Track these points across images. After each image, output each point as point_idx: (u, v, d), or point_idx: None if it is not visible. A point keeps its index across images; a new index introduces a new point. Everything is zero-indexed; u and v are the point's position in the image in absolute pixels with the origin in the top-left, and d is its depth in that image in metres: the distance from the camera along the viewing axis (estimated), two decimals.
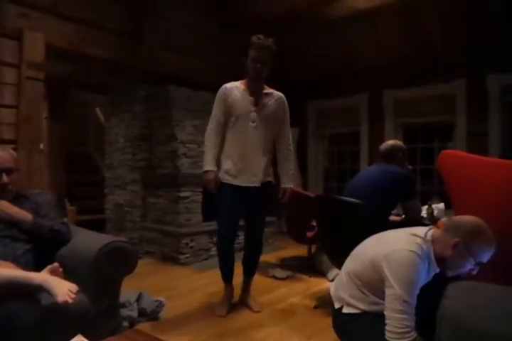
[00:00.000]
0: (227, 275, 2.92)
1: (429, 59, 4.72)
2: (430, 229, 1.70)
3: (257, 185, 2.76)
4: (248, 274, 3.00)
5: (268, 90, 2.85)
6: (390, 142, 2.85)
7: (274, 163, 2.91)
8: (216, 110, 2.78)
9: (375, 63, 5.15)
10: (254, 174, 2.75)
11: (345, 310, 1.73)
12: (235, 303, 2.95)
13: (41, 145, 3.22)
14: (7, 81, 3.06)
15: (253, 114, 2.73)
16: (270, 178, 2.88)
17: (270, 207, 3.03)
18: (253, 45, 2.65)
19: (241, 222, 2.88)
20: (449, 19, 4.25)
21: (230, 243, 2.85)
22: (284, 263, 4.22)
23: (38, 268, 1.61)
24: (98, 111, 7.18)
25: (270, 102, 2.80)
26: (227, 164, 2.75)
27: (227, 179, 2.75)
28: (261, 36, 2.66)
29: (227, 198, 2.75)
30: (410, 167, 2.90)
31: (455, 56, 4.55)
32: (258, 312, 2.85)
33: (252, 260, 3.00)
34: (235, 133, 2.75)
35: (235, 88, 2.77)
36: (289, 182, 2.89)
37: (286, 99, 2.88)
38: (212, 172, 2.72)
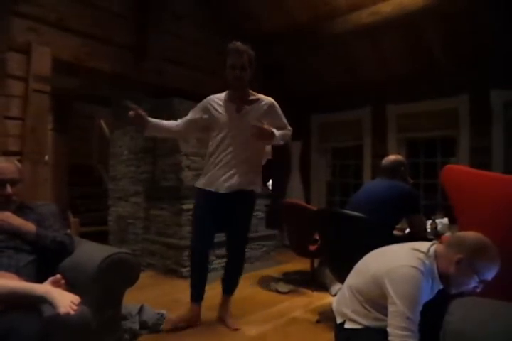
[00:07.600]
0: None
1: (431, 74, 4.76)
2: (433, 244, 1.68)
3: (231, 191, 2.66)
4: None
5: (255, 96, 2.70)
6: (392, 157, 2.86)
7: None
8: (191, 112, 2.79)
9: (378, 78, 5.19)
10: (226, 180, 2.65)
11: (347, 325, 1.71)
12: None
13: (46, 157, 3.24)
14: (14, 93, 3.10)
15: (235, 123, 2.62)
16: (253, 187, 2.72)
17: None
18: (230, 52, 2.52)
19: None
20: (451, 34, 4.28)
21: None
22: (287, 277, 4.18)
23: (40, 280, 1.60)
24: (103, 123, 7.22)
25: (256, 108, 2.65)
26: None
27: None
28: (237, 42, 2.53)
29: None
30: (412, 181, 2.90)
31: (458, 71, 4.58)
32: (236, 329, 2.69)
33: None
34: (217, 141, 2.68)
35: (217, 99, 2.71)
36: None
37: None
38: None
